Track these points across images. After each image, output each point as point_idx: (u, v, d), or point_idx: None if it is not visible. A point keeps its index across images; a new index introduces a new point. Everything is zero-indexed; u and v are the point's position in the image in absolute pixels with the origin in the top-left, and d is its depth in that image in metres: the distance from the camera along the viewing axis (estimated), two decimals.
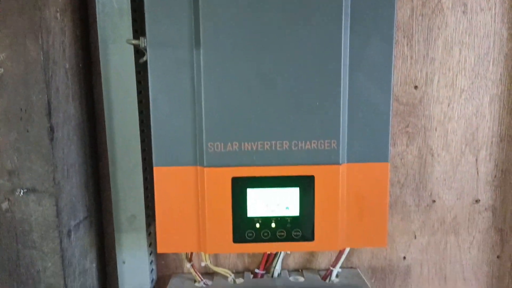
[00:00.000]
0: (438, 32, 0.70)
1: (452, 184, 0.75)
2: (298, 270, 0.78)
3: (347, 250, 0.71)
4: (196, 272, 0.72)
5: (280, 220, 0.60)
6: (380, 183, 0.60)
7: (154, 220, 0.61)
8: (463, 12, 0.70)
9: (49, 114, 0.57)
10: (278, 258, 0.75)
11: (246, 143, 0.57)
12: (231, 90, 0.56)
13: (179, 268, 0.77)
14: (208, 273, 0.76)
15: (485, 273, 0.79)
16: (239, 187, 0.59)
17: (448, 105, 0.73)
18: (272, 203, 0.59)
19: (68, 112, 0.62)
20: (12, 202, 0.59)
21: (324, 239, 0.60)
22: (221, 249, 0.60)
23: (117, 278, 0.72)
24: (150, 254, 0.72)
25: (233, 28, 0.54)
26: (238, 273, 0.76)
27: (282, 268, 0.76)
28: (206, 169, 0.58)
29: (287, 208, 0.60)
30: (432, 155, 0.74)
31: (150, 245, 0.72)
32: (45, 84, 0.56)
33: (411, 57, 0.71)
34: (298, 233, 0.60)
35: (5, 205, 0.59)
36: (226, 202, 0.59)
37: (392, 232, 0.76)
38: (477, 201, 0.76)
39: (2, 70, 0.56)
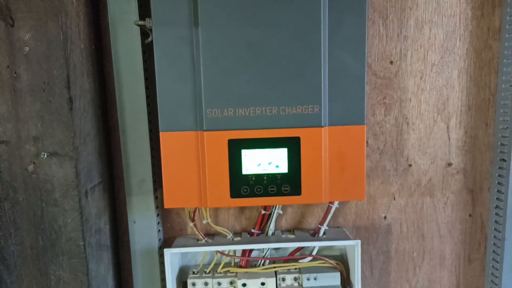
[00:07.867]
0: (410, 12, 0.79)
1: (426, 149, 0.84)
2: (290, 230, 0.86)
3: (334, 207, 0.80)
4: (198, 231, 0.81)
5: (271, 177, 0.69)
6: (358, 143, 0.69)
7: (161, 185, 0.69)
8: None
9: (68, 87, 0.66)
10: (272, 219, 0.83)
11: (240, 109, 0.66)
12: (226, 63, 0.65)
13: (184, 230, 0.86)
14: (209, 234, 0.85)
15: (459, 231, 0.87)
16: (235, 148, 0.67)
17: (421, 78, 0.81)
18: (263, 162, 0.68)
19: (83, 87, 0.71)
20: (37, 164, 0.68)
21: (309, 193, 0.69)
22: (220, 203, 0.69)
23: (128, 237, 0.80)
24: (158, 215, 0.81)
25: (226, 7, 0.63)
26: (236, 234, 0.85)
27: (276, 229, 0.85)
28: (205, 133, 0.67)
29: (277, 166, 0.68)
30: (408, 124, 0.83)
31: (157, 207, 0.81)
32: (64, 60, 0.65)
33: (387, 35, 0.80)
34: (287, 188, 0.69)
35: (31, 167, 0.68)
36: (223, 161, 0.68)
37: (373, 194, 0.85)
38: (450, 164, 0.84)
39: (28, 48, 0.64)
